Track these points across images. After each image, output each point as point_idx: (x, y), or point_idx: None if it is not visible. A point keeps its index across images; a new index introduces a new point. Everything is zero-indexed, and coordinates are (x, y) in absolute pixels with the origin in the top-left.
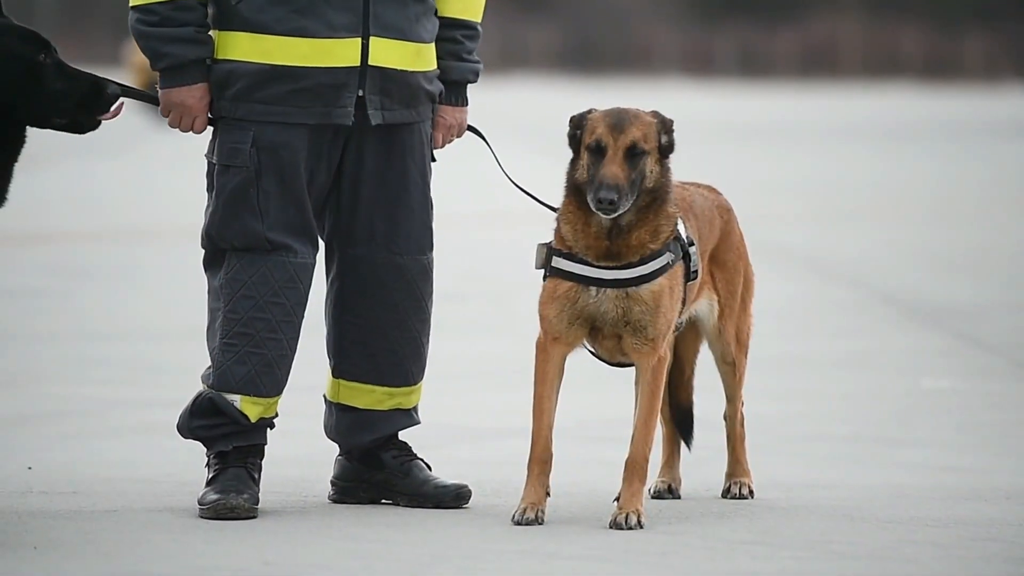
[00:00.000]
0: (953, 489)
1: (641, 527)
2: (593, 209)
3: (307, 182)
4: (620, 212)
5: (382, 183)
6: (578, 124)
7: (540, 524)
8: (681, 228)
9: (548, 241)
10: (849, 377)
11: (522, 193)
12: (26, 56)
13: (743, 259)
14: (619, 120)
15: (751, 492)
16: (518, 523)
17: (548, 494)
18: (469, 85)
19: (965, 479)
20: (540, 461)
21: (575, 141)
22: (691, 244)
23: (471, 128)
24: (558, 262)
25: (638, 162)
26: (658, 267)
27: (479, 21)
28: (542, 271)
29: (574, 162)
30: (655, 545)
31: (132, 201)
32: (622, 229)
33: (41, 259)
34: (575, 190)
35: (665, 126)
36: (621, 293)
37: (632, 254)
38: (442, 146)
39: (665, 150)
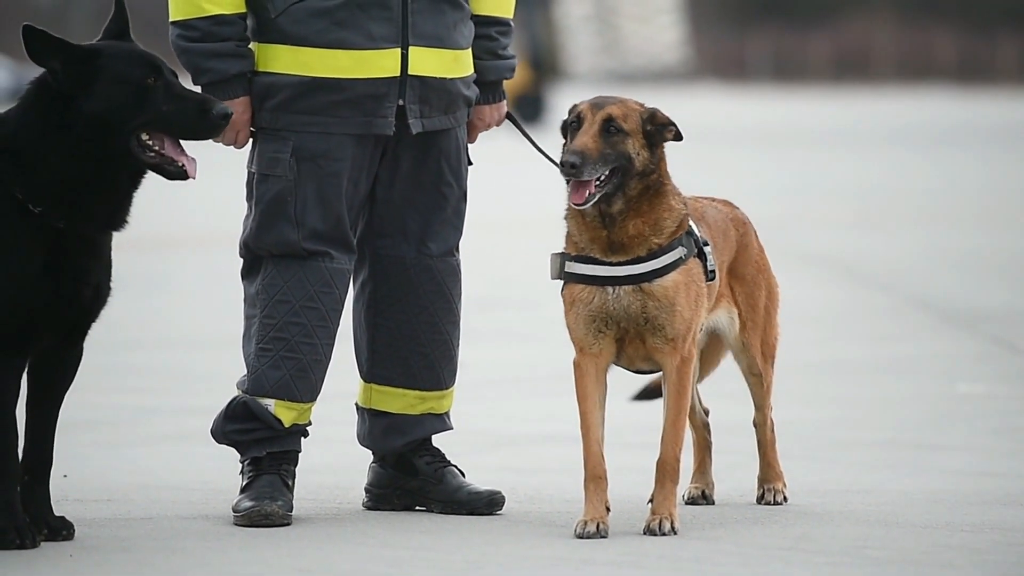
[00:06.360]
0: (989, 494)
1: (675, 533)
2: (561, 175)
3: (349, 192)
4: (586, 179)
5: (416, 185)
6: (570, 111)
7: (604, 537)
8: (694, 226)
9: (560, 251)
10: (884, 382)
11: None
12: (133, 80)
13: (763, 271)
14: (600, 100)
15: (785, 498)
16: (579, 536)
17: (608, 509)
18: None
19: (1001, 484)
20: (594, 478)
21: (565, 128)
22: (705, 244)
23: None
24: (571, 266)
25: (614, 138)
26: (669, 262)
27: (511, 17)
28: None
29: None
30: (689, 551)
31: (166, 209)
32: (615, 218)
33: None
34: None
35: (654, 117)
36: (636, 288)
37: (636, 246)
38: (475, 138)
39: (651, 136)
